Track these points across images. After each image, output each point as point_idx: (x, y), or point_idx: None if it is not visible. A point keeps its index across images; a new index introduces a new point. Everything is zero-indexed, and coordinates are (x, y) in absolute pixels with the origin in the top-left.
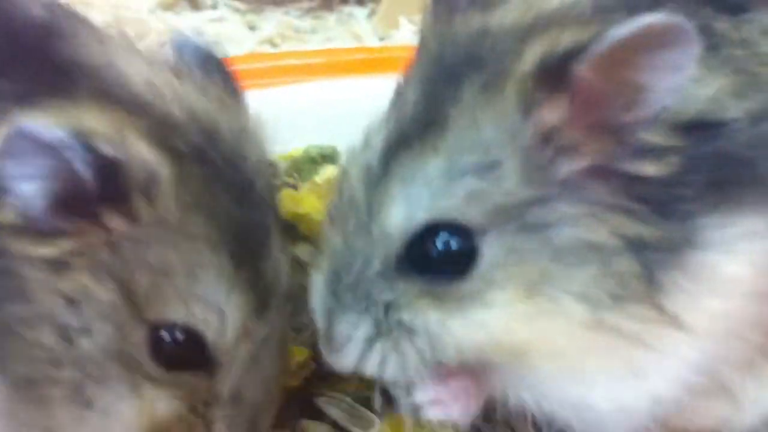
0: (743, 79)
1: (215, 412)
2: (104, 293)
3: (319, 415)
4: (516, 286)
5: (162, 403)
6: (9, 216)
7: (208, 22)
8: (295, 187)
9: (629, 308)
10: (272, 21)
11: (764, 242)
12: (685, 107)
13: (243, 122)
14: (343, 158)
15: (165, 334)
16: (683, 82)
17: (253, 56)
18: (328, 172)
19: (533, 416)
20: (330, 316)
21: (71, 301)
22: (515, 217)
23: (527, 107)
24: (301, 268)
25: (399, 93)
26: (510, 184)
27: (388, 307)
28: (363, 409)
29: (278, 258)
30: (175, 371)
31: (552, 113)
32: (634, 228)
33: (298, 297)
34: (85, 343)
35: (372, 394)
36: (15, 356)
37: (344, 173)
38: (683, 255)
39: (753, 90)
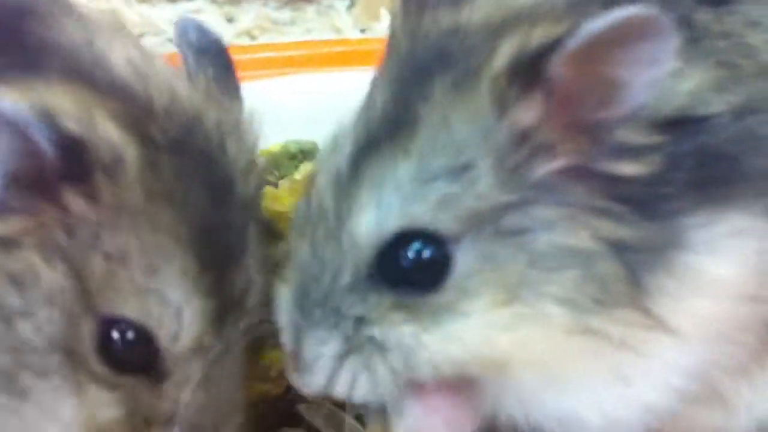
0: (725, 72)
1: None
2: (53, 276)
3: (300, 423)
4: (493, 293)
5: (103, 407)
6: None
7: (184, 14)
8: (273, 185)
9: (613, 312)
10: (250, 13)
11: (751, 241)
12: (666, 102)
13: (231, 116)
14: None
15: (115, 332)
16: (661, 76)
17: (230, 49)
18: (308, 168)
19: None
20: (297, 333)
21: (16, 281)
22: (490, 222)
23: (501, 106)
24: (278, 268)
25: (369, 93)
26: (484, 187)
27: (358, 323)
28: (345, 416)
29: (250, 266)
30: (120, 373)
31: (527, 112)
32: (616, 230)
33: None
34: (25, 328)
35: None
36: None
37: (312, 178)
38: (668, 256)
39: (735, 83)
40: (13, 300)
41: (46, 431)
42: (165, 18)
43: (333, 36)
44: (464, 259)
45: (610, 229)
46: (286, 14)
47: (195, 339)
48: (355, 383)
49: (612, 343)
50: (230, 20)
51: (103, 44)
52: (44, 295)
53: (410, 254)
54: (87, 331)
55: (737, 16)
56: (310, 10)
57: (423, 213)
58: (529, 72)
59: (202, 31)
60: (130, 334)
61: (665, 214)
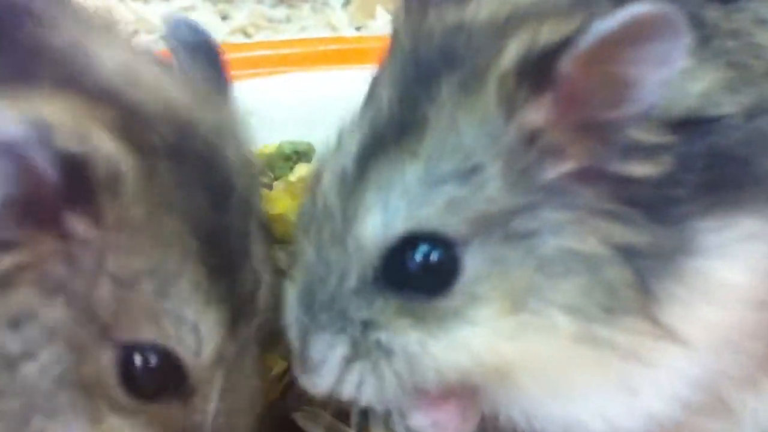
0: (736, 72)
1: None
2: (53, 312)
3: (295, 430)
4: (501, 300)
5: None
6: None
7: (178, 11)
8: (268, 186)
9: (621, 320)
10: (245, 10)
11: (764, 246)
12: (676, 103)
13: (226, 117)
14: (318, 156)
15: (137, 358)
16: (673, 75)
17: (223, 47)
18: (303, 170)
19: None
20: (304, 335)
21: (13, 323)
22: (498, 225)
23: (509, 107)
24: (277, 273)
25: (372, 92)
26: (492, 191)
27: (365, 326)
28: (343, 426)
29: (258, 268)
30: (145, 398)
31: (536, 113)
32: (625, 234)
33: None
34: (29, 370)
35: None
36: None
37: (317, 177)
38: (677, 262)
39: (746, 84)
40: (13, 344)
41: None
42: (159, 15)
43: (328, 34)
44: (472, 264)
45: (620, 233)
46: (281, 11)
47: (214, 349)
48: (361, 387)
49: (619, 353)
50: (224, 17)
51: (95, 46)
52: (45, 334)
53: (417, 258)
54: (105, 361)
55: (746, 13)
56: (305, 8)
57: (430, 216)
58: (538, 72)
59: (193, 29)
60: (152, 358)
61: (675, 217)
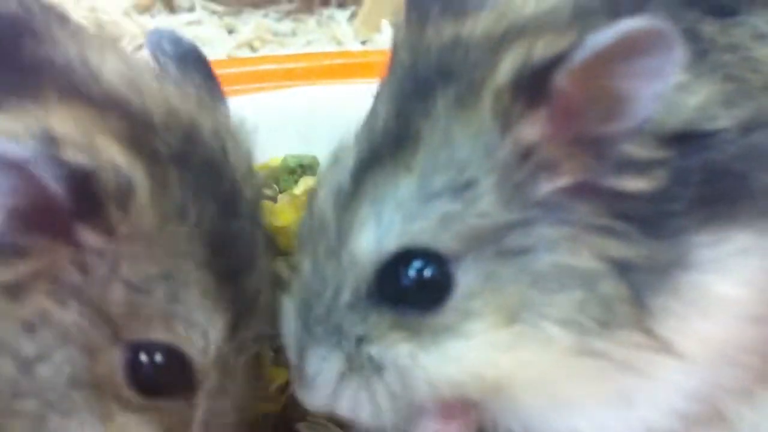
0: (733, 86)
1: None
2: (67, 316)
3: None
4: (495, 314)
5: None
6: None
7: (184, 25)
8: (272, 199)
9: (617, 334)
10: (251, 24)
11: (759, 260)
12: (672, 116)
13: (225, 123)
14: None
15: (144, 357)
16: (667, 90)
17: (229, 61)
18: (308, 183)
19: None
20: (301, 348)
21: (28, 327)
22: (492, 241)
23: (504, 122)
24: (279, 284)
25: (372, 108)
26: (486, 206)
27: (359, 342)
28: None
29: (262, 273)
30: (152, 396)
31: (530, 127)
32: (620, 249)
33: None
34: (44, 371)
35: None
36: None
37: (314, 193)
38: (673, 276)
39: (743, 98)
40: (28, 346)
41: None
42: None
43: (334, 48)
44: (465, 279)
45: (614, 248)
46: (286, 25)
47: (218, 350)
48: (356, 404)
49: (615, 366)
50: (231, 31)
51: (96, 58)
52: (59, 337)
53: (411, 273)
54: (114, 361)
55: (744, 28)
56: (311, 22)
57: (424, 231)
58: (532, 86)
59: (175, 40)
60: (158, 357)
61: (670, 232)
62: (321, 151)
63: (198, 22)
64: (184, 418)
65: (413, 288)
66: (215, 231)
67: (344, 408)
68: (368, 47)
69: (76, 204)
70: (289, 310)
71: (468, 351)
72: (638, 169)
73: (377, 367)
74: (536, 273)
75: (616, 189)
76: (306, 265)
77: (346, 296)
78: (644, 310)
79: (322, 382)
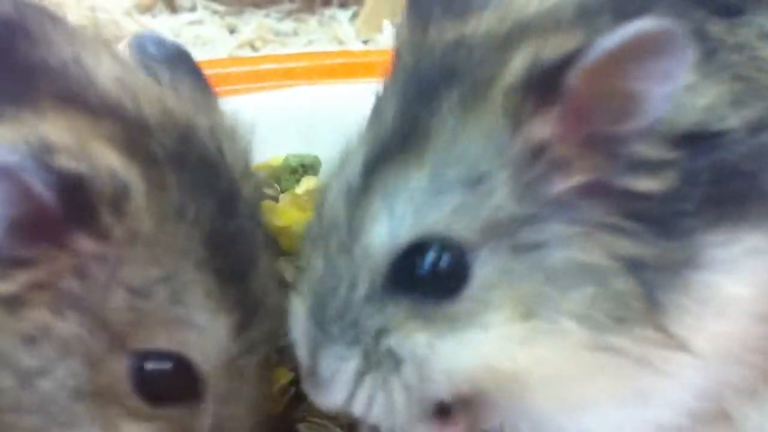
0: (741, 86)
1: None
2: (67, 327)
3: None
4: (511, 307)
5: None
6: None
7: (186, 25)
8: (274, 199)
9: (631, 329)
10: (252, 23)
11: (766, 259)
12: (681, 117)
13: (219, 122)
14: (324, 168)
15: (150, 365)
16: (677, 90)
17: (230, 61)
18: (309, 182)
19: None
20: (315, 349)
21: (27, 341)
22: (506, 235)
23: (515, 121)
24: (282, 284)
25: (376, 108)
26: (500, 200)
27: (377, 334)
28: None
29: (266, 272)
30: (158, 404)
31: (542, 126)
32: (631, 248)
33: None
34: (46, 385)
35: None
36: None
37: (323, 192)
38: (684, 275)
39: (751, 97)
40: (29, 360)
41: None
42: (166, 28)
43: (335, 47)
44: (482, 271)
45: (626, 246)
46: (288, 25)
47: (224, 354)
48: (371, 402)
49: (631, 362)
50: (232, 31)
51: (91, 61)
52: (60, 349)
53: (426, 263)
54: (119, 370)
55: (751, 27)
56: (312, 22)
57: (438, 221)
58: (543, 85)
59: (159, 42)
60: (164, 365)
61: (681, 232)
62: (322, 150)
63: (199, 22)
64: (192, 423)
65: (429, 278)
66: (214, 231)
67: (359, 407)
68: (370, 47)
69: (68, 210)
70: (298, 310)
71: (485, 342)
72: (649, 170)
73: (395, 361)
74: (550, 269)
75: (628, 189)
76: (317, 263)
77: (361, 290)
78: (657, 307)
79: (339, 381)
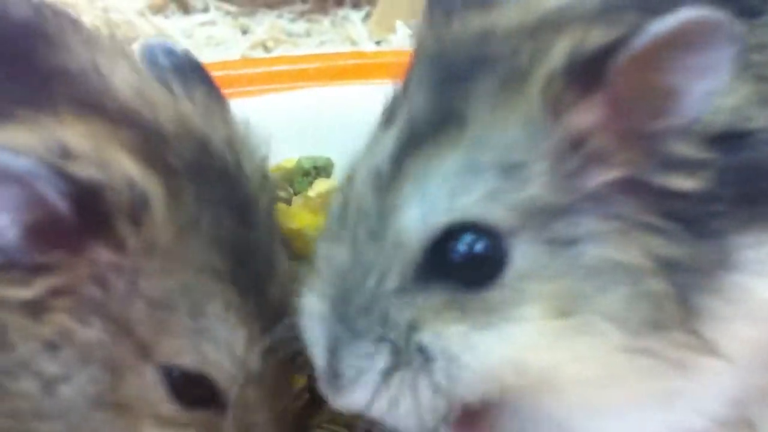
0: (765, 86)
1: None
2: (90, 334)
3: None
4: (547, 301)
5: None
6: None
7: (198, 26)
8: (287, 201)
9: (666, 333)
10: (265, 24)
11: None
12: (713, 117)
13: (234, 131)
14: (337, 170)
15: (177, 373)
16: (720, 86)
17: (243, 62)
18: (322, 185)
19: None
20: (335, 348)
21: (50, 347)
22: (542, 226)
23: (555, 109)
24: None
25: (401, 96)
26: (536, 189)
27: (409, 330)
28: None
29: (285, 280)
30: (192, 409)
31: (584, 116)
32: (665, 248)
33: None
34: (67, 392)
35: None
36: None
37: (348, 181)
38: (717, 277)
39: None
40: (51, 366)
41: None
42: (179, 29)
43: (348, 48)
44: (518, 259)
45: (661, 246)
46: (300, 26)
47: (245, 364)
48: (396, 404)
49: (664, 365)
50: (245, 32)
51: (107, 68)
52: (82, 356)
53: (461, 248)
54: (149, 378)
55: None
56: (325, 22)
57: (472, 205)
58: (587, 73)
59: (170, 52)
60: (191, 377)
61: (714, 233)
62: (335, 152)
63: (212, 23)
64: (223, 430)
65: (464, 264)
66: (234, 242)
67: (382, 409)
68: (382, 48)
69: (83, 219)
70: (314, 309)
71: (520, 335)
72: (686, 168)
73: (425, 359)
74: (586, 266)
75: (663, 187)
76: (341, 256)
77: (392, 280)
78: (690, 310)
79: (364, 380)
